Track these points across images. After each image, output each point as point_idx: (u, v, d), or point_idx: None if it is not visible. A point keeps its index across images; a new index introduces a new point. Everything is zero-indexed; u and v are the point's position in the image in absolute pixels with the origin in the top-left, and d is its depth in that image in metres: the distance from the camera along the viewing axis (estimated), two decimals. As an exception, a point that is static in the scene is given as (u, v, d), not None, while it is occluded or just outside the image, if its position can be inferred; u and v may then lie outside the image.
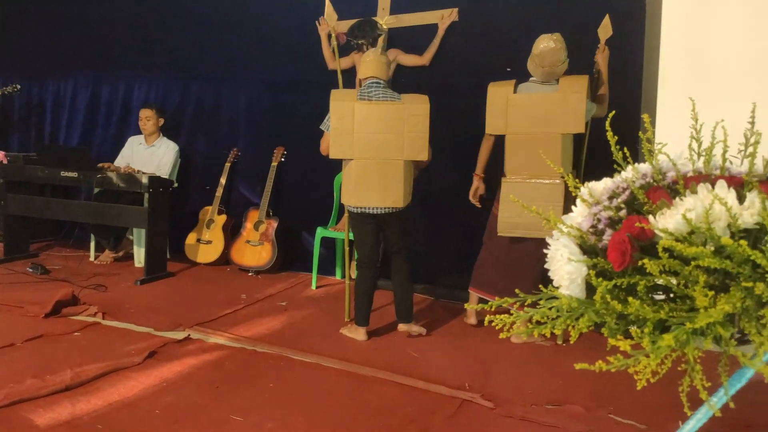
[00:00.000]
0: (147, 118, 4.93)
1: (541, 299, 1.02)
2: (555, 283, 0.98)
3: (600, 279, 0.88)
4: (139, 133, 5.04)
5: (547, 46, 3.23)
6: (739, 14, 3.04)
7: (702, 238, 0.84)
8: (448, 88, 4.18)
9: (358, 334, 3.32)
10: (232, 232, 4.90)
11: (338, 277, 4.65)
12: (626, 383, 2.82)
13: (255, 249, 4.67)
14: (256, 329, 3.38)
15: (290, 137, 4.86)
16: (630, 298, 0.84)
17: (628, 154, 1.08)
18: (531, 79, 3.38)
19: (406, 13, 4.38)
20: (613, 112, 1.16)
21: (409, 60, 4.31)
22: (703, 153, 1.00)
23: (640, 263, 0.86)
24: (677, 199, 0.91)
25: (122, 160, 4.97)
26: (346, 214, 4.37)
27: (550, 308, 0.95)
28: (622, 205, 0.97)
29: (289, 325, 3.50)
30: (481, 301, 3.49)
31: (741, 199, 0.88)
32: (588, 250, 0.96)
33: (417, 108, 3.18)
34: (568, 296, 0.93)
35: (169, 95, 5.31)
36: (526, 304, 1.07)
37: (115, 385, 2.52)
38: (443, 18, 4.21)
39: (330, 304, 3.97)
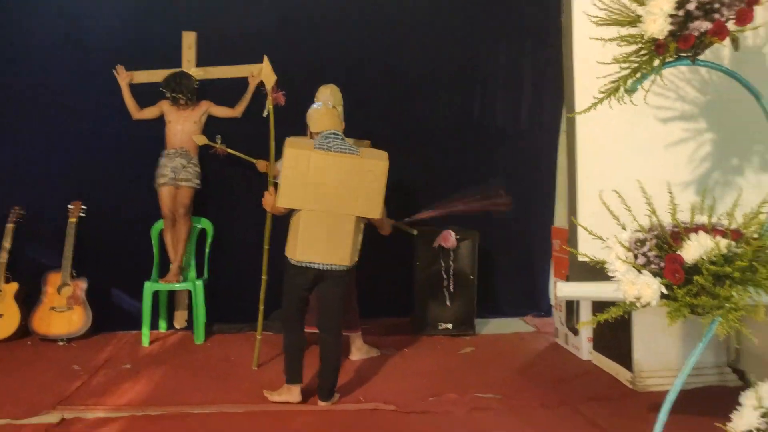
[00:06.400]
0: None
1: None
2: (633, 297, 1.60)
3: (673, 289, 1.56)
4: None
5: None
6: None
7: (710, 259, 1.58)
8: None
9: (292, 394, 3.11)
10: (27, 301, 4.39)
11: (162, 330, 4.56)
12: (469, 375, 3.60)
13: (63, 315, 4.29)
14: (127, 395, 3.26)
15: (88, 191, 4.58)
16: (702, 296, 1.53)
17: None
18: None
19: (214, 66, 4.58)
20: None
21: (221, 112, 4.49)
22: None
23: (693, 279, 1.55)
24: (684, 241, 1.61)
25: None
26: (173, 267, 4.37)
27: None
28: (654, 247, 1.66)
29: (155, 384, 3.45)
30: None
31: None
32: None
33: (375, 164, 3.06)
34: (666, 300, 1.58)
35: None
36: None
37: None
38: (253, 74, 4.48)
39: (176, 357, 3.96)
